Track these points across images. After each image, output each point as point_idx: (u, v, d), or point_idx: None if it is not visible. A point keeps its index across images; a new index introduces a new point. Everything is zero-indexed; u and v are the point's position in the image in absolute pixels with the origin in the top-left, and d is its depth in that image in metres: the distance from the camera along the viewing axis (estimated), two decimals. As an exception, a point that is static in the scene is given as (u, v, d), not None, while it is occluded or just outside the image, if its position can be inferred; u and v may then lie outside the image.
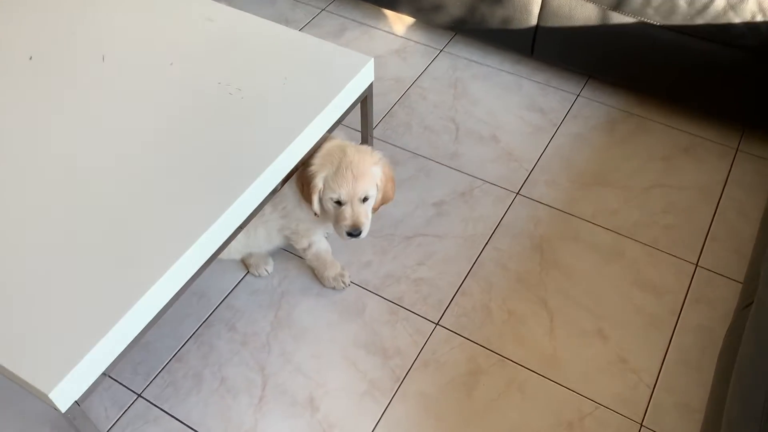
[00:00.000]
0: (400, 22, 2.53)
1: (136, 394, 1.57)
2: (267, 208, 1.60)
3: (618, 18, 2.00)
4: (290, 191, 1.58)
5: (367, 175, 1.49)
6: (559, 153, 2.09)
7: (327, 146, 1.52)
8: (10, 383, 1.54)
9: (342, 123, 1.60)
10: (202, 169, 1.37)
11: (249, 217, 1.40)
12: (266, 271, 1.78)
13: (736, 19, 1.82)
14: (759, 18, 1.79)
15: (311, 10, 2.58)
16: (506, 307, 1.72)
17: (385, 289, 1.76)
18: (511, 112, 2.21)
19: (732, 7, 1.81)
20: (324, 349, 1.64)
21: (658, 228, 1.88)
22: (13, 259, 1.22)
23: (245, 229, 1.60)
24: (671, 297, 1.74)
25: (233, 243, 1.60)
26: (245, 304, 1.73)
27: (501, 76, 2.33)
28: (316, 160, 1.50)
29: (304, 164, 1.50)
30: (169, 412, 1.54)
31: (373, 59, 1.60)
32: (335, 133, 1.61)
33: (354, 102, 1.61)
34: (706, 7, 1.84)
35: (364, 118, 1.75)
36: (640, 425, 1.51)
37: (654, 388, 1.57)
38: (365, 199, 1.51)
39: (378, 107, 2.22)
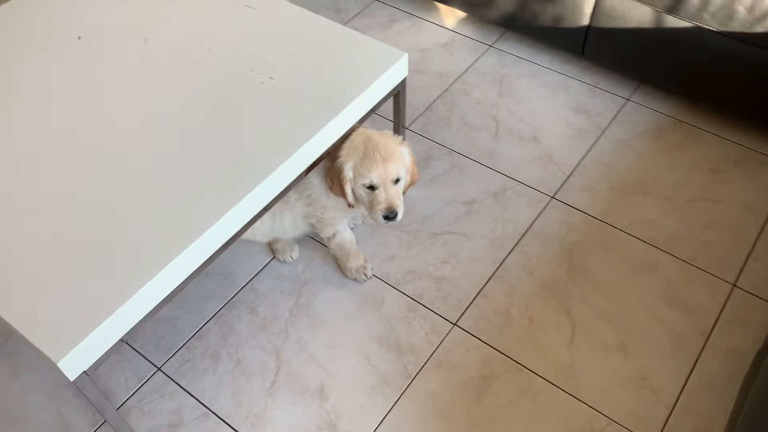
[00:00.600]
0: (451, 15, 2.50)
1: (156, 367, 1.63)
2: (292, 195, 1.62)
3: (673, 21, 1.91)
4: (316, 180, 1.59)
5: (395, 155, 1.49)
6: (601, 158, 2.02)
7: (351, 137, 1.53)
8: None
9: (378, 114, 1.60)
10: (229, 152, 1.40)
11: (272, 201, 1.42)
12: (291, 257, 1.80)
13: (799, 29, 1.72)
14: (824, 28, 1.68)
15: (363, -1, 2.58)
16: (528, 314, 1.69)
17: (406, 284, 1.75)
18: (555, 113, 2.16)
19: (795, 15, 1.70)
20: (339, 340, 1.66)
21: (697, 243, 1.80)
22: (40, 227, 1.28)
23: (272, 214, 1.63)
24: (702, 316, 1.66)
25: (260, 226, 1.64)
26: (268, 289, 1.76)
27: (549, 75, 2.27)
28: (343, 152, 1.51)
29: (332, 159, 1.51)
30: (185, 388, 1.59)
31: (407, 54, 1.59)
32: (365, 124, 1.62)
33: (385, 96, 1.61)
34: (766, 14, 1.74)
35: (396, 112, 1.74)
36: (653, 446, 1.47)
37: (673, 410, 1.52)
38: (397, 181, 1.51)
39: (419, 101, 2.21)
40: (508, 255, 1.81)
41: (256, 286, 1.77)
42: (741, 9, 1.77)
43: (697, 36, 1.89)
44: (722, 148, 2.03)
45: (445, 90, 2.24)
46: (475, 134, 2.11)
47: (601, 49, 2.13)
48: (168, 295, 1.28)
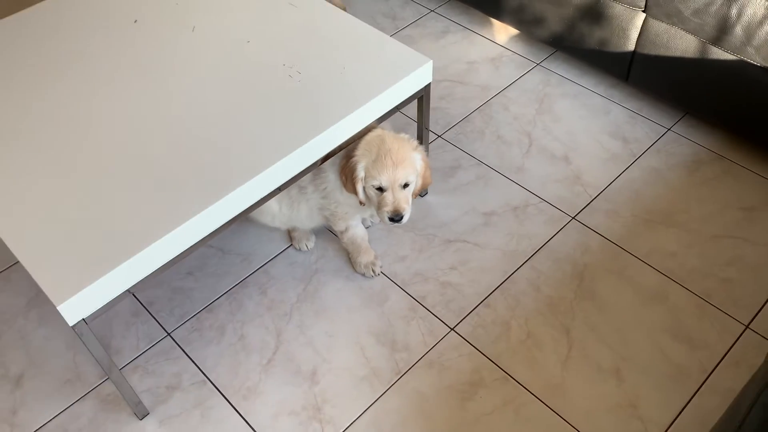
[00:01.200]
0: (504, 31, 2.53)
1: (167, 332, 1.74)
2: (309, 187, 1.69)
3: (717, 53, 1.87)
4: (332, 174, 1.66)
5: (406, 161, 1.54)
6: (630, 185, 2.00)
7: (367, 137, 1.59)
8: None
9: (404, 114, 1.65)
10: (250, 134, 1.50)
11: (283, 185, 1.50)
12: (306, 246, 1.88)
13: None
14: None
15: (421, 9, 2.64)
16: (527, 328, 1.70)
17: (411, 285, 1.79)
18: (591, 135, 2.14)
19: (842, 55, 1.64)
20: (338, 329, 1.71)
21: (715, 280, 1.75)
22: (68, 181, 1.41)
23: (290, 203, 1.71)
24: (706, 353, 1.62)
25: (279, 214, 1.73)
26: (281, 273, 1.84)
27: (592, 98, 2.26)
28: (357, 152, 1.57)
29: (347, 157, 1.58)
30: (189, 355, 1.69)
31: (431, 61, 1.64)
32: (384, 124, 1.67)
33: (406, 99, 1.66)
34: (812, 52, 1.68)
35: (419, 116, 1.79)
36: (631, 475, 1.44)
37: (658, 442, 1.49)
38: (406, 186, 1.56)
39: (457, 110, 2.24)
40: (518, 269, 1.82)
41: (270, 269, 1.86)
42: (786, 45, 1.72)
43: (740, 69, 1.85)
44: (761, 187, 1.96)
45: (485, 102, 2.27)
46: (507, 148, 2.12)
47: (645, 75, 2.10)
48: (169, 261, 1.37)
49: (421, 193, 1.66)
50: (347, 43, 1.69)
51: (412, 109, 2.16)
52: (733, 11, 1.78)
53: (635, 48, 2.06)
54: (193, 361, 1.68)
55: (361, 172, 1.56)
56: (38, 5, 1.86)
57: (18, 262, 1.84)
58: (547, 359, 1.63)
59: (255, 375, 1.64)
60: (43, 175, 1.44)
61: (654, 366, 1.61)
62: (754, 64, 1.81)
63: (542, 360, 1.63)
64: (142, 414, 1.56)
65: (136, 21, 1.80)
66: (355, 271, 1.83)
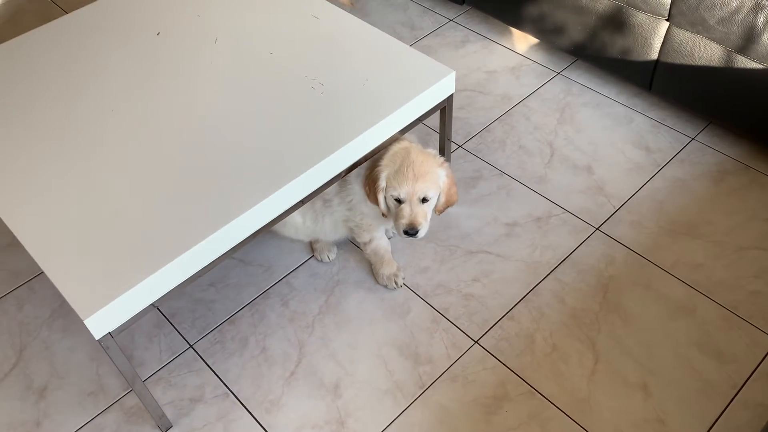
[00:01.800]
0: (523, 40, 2.52)
1: (189, 344, 1.74)
2: (335, 200, 1.69)
3: (743, 62, 1.85)
4: (358, 186, 1.65)
5: (428, 175, 1.53)
6: (654, 195, 1.97)
7: (394, 148, 1.58)
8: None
9: (426, 125, 1.65)
10: (273, 146, 1.49)
11: (307, 197, 1.50)
12: (328, 257, 1.87)
13: None
14: None
15: (439, 19, 2.64)
16: (551, 341, 1.68)
17: (434, 297, 1.78)
18: (614, 145, 2.13)
19: None
20: (361, 342, 1.70)
21: (743, 292, 1.73)
22: (97, 195, 1.41)
23: (314, 216, 1.71)
24: (736, 367, 1.59)
25: (302, 227, 1.73)
26: (303, 284, 1.84)
27: (614, 107, 2.24)
28: (382, 162, 1.56)
29: (372, 167, 1.57)
30: (211, 367, 1.68)
31: (454, 72, 1.63)
32: (408, 135, 1.67)
33: (429, 110, 1.65)
34: (842, 61, 1.66)
35: (442, 126, 1.78)
36: (661, 492, 1.42)
37: (687, 459, 1.46)
38: (425, 200, 1.55)
39: (477, 120, 2.23)
40: (542, 281, 1.80)
41: (291, 280, 1.85)
42: (814, 54, 1.70)
43: (767, 78, 1.82)
44: (788, 197, 1.93)
45: (505, 112, 2.26)
46: (528, 158, 2.11)
47: (669, 85, 2.08)
48: (195, 273, 1.37)
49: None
50: (370, 55, 1.69)
51: (434, 118, 2.15)
52: (760, 20, 1.76)
53: (658, 57, 2.04)
54: (215, 374, 1.67)
55: (382, 182, 1.55)
56: (62, 18, 1.87)
57: (42, 272, 1.85)
58: (573, 373, 1.61)
59: (278, 388, 1.64)
60: (67, 187, 1.44)
61: (682, 380, 1.58)
62: (781, 73, 1.79)
63: (568, 374, 1.61)
64: (165, 427, 1.56)
65: (159, 33, 1.81)
66: (378, 282, 1.82)
